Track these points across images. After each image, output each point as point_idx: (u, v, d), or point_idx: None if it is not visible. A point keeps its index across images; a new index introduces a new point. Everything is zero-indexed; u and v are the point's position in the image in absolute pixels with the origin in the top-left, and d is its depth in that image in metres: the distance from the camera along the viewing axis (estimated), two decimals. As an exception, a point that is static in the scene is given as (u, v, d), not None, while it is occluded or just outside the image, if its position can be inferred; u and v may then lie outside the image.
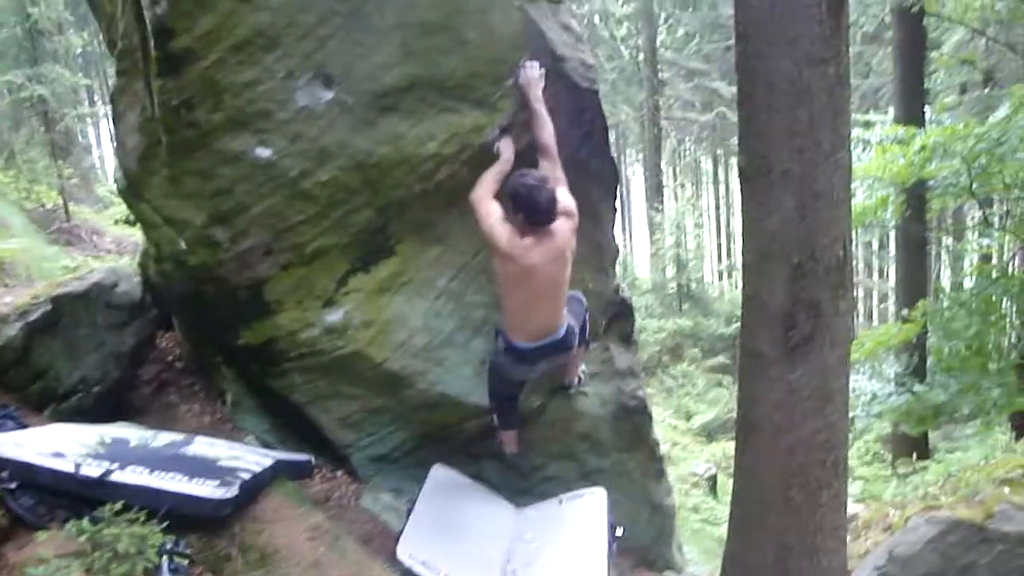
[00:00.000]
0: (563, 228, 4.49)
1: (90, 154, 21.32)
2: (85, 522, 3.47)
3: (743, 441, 4.78)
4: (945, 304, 10.91)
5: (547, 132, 4.59)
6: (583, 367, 5.63)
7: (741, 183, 4.51)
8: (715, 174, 41.31)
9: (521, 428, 5.42)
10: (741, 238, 4.72)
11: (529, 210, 4.35)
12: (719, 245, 40.59)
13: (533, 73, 4.59)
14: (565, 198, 4.53)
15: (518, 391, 5.13)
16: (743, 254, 4.67)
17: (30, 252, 7.38)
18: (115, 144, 5.06)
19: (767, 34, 4.10)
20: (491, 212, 4.43)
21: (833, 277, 4.30)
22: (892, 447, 14.49)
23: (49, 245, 8.76)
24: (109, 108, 5.19)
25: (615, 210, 5.77)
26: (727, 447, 15.68)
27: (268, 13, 4.15)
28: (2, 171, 10.37)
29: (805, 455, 4.43)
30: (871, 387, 11.01)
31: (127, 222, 11.71)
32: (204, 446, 4.32)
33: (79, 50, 11.10)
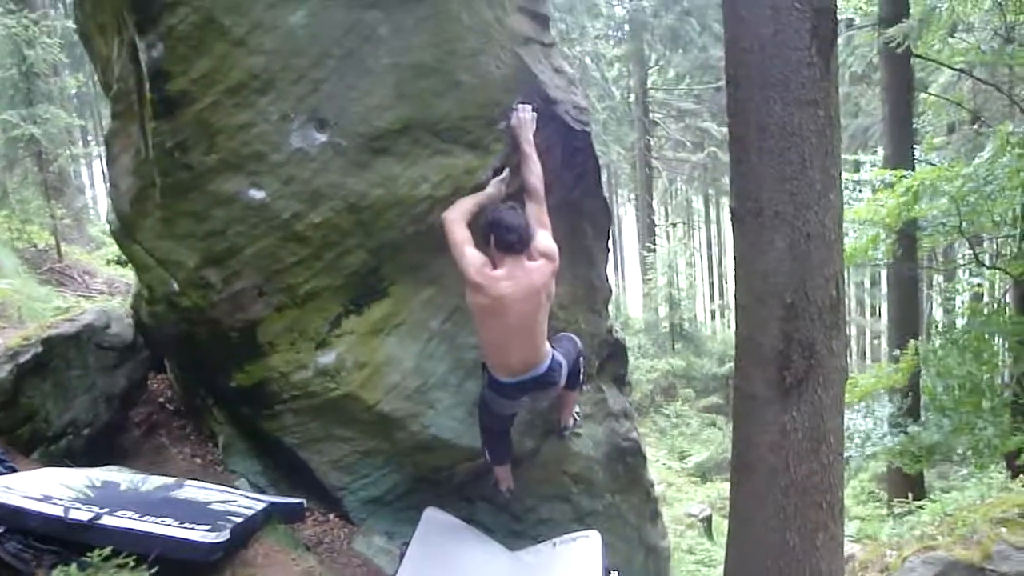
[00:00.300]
0: (540, 268, 4.48)
1: (83, 194, 21.35)
2: (73, 568, 3.42)
3: (738, 483, 4.75)
4: (938, 343, 10.93)
5: (535, 175, 4.61)
6: (577, 409, 5.61)
7: (733, 224, 4.52)
8: (707, 213, 41.53)
9: (515, 466, 5.38)
10: (733, 279, 4.73)
11: (500, 237, 4.36)
12: (711, 284, 40.70)
13: (525, 116, 4.62)
14: (546, 240, 4.54)
15: (508, 425, 5.08)
16: (736, 295, 4.68)
17: (21, 293, 7.34)
18: (108, 186, 5.07)
19: (757, 77, 4.14)
20: (463, 238, 4.43)
21: (827, 317, 4.30)
22: (888, 486, 14.42)
23: (41, 285, 8.72)
24: (103, 149, 5.20)
25: (608, 251, 5.79)
26: (722, 488, 15.60)
27: (263, 57, 4.19)
28: (-6, 211, 10.36)
29: (801, 497, 4.40)
30: (865, 426, 10.99)
31: (119, 262, 11.69)
32: (195, 490, 4.28)
33: (74, 91, 11.12)
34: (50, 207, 10.05)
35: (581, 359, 5.17)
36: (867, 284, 31.23)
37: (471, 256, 4.39)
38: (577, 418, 5.62)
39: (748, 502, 4.65)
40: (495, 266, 4.40)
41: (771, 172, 4.16)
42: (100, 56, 5.05)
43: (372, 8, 4.30)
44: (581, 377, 5.24)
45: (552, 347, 4.75)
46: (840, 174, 4.34)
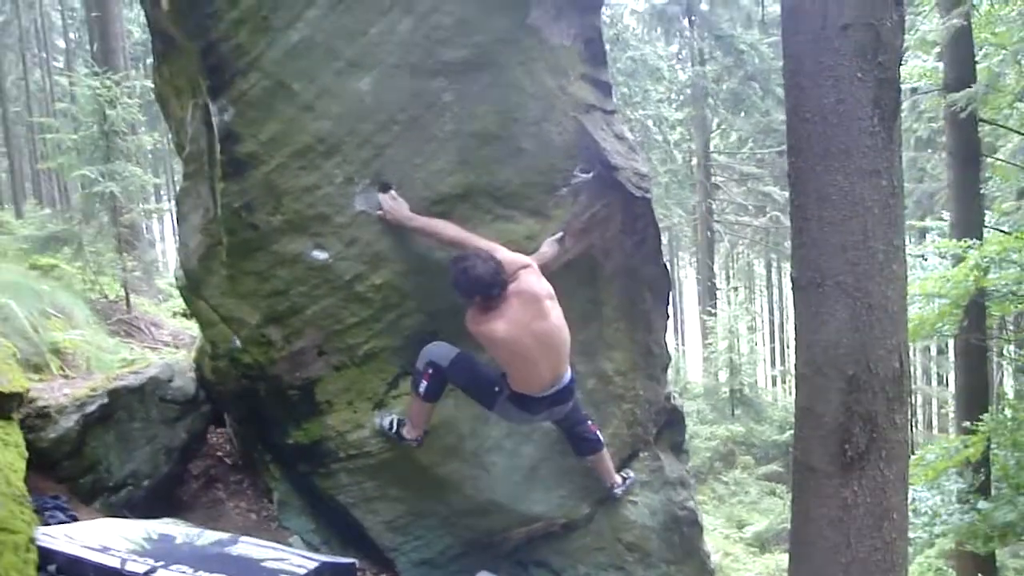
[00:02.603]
0: (527, 280, 4.35)
1: (153, 248, 21.94)
2: (128, 620, 3.46)
3: (796, 558, 4.63)
4: (1009, 415, 10.59)
5: (439, 225, 4.45)
6: (631, 472, 5.53)
7: (794, 294, 4.48)
8: (768, 278, 41.11)
9: (569, 532, 5.30)
10: (795, 349, 4.67)
11: (486, 294, 4.27)
12: (772, 350, 40.10)
13: (388, 203, 4.44)
14: (510, 255, 4.39)
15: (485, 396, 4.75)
16: (796, 366, 4.61)
17: (91, 343, 7.52)
18: (177, 242, 5.21)
19: (818, 146, 4.14)
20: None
21: (890, 390, 4.22)
22: (956, 565, 13.89)
23: (110, 336, 8.93)
24: (173, 204, 5.35)
25: (667, 316, 5.76)
26: (780, 559, 15.19)
27: (329, 121, 4.30)
28: (70, 262, 10.67)
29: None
30: (932, 502, 10.63)
31: (184, 315, 11.93)
32: (249, 547, 4.29)
33: (149, 148, 11.49)
34: (122, 260, 10.33)
35: (590, 423, 5.11)
36: (933, 352, 30.48)
37: (467, 317, 4.40)
38: (629, 477, 5.52)
39: (807, 579, 4.54)
40: (485, 313, 4.33)
41: (832, 242, 4.13)
42: (174, 118, 5.23)
43: (437, 76, 4.40)
44: (600, 437, 5.15)
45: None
46: (904, 244, 4.29)
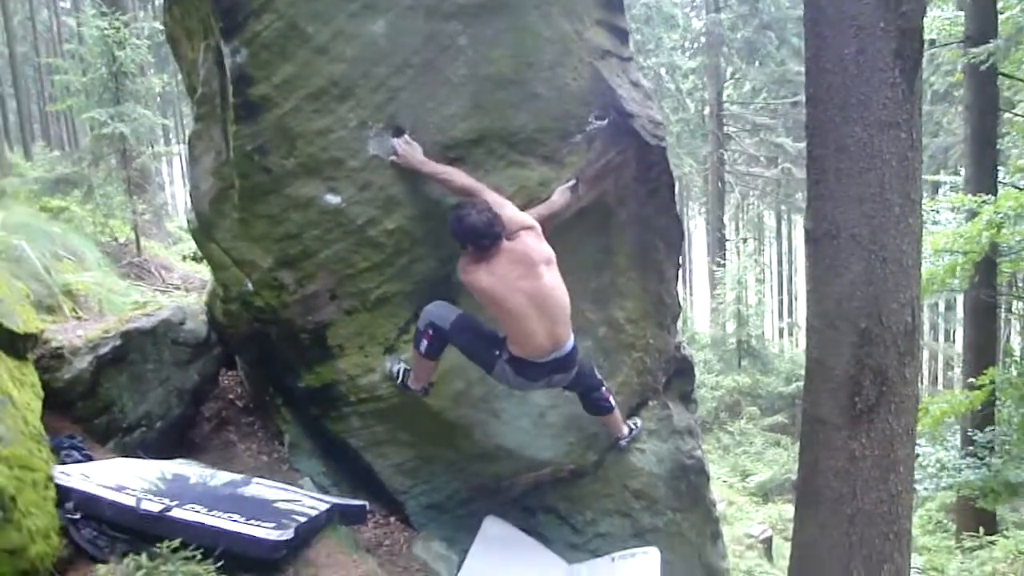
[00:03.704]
0: (524, 239, 4.29)
1: (163, 191, 21.92)
2: (143, 557, 3.51)
3: (802, 508, 4.69)
4: (1015, 372, 10.60)
5: (457, 176, 4.41)
6: (637, 422, 5.55)
7: (807, 245, 4.47)
8: (778, 230, 40.94)
9: (577, 478, 5.34)
10: (806, 301, 4.66)
11: (478, 244, 4.24)
12: (780, 302, 40.08)
13: (401, 147, 4.41)
14: (516, 213, 4.35)
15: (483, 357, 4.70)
16: (808, 317, 4.62)
17: (102, 286, 7.55)
18: (189, 185, 5.20)
19: (838, 97, 4.10)
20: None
21: (901, 344, 4.23)
22: (957, 517, 14.00)
23: (120, 279, 8.96)
24: (183, 148, 5.33)
25: (679, 266, 5.75)
26: (783, 509, 15.34)
27: (344, 64, 4.26)
28: (80, 205, 10.68)
29: (867, 527, 4.33)
30: (937, 455, 10.69)
31: (195, 259, 11.97)
32: (261, 487, 4.35)
33: (158, 91, 11.42)
34: (132, 203, 10.33)
35: (604, 388, 5.05)
36: (941, 308, 30.46)
37: (460, 266, 4.39)
38: (635, 427, 5.54)
39: (812, 528, 4.59)
40: (477, 263, 4.29)
41: (849, 194, 4.11)
42: (186, 60, 5.19)
43: (452, 19, 4.35)
44: (611, 403, 5.11)
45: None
46: (921, 199, 4.27)
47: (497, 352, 4.53)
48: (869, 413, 4.26)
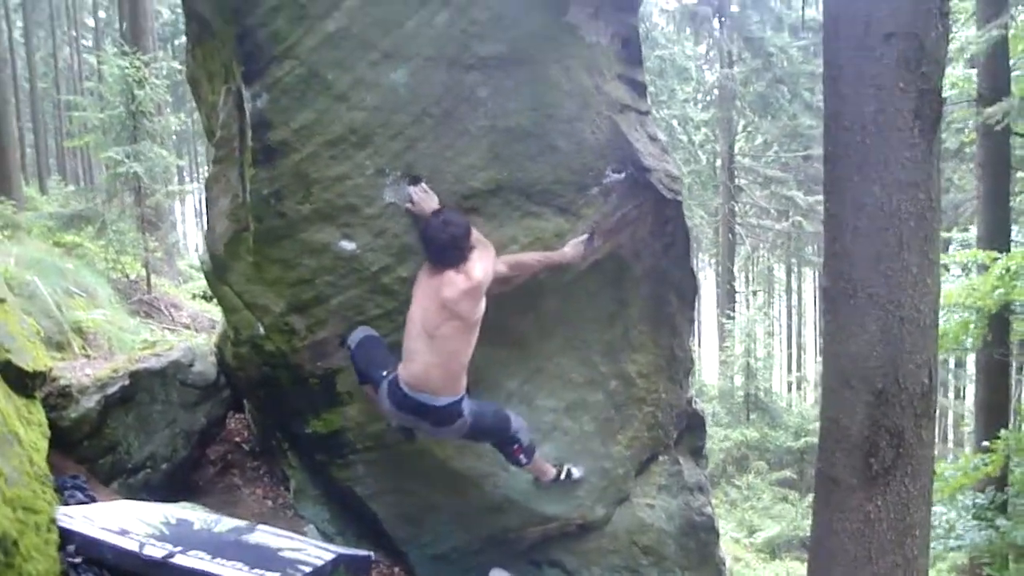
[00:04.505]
0: (454, 282, 4.21)
1: (175, 229, 22.04)
2: (144, 605, 3.47)
3: (815, 570, 4.59)
4: (1029, 433, 10.47)
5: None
6: (572, 470, 5.25)
7: (824, 303, 4.43)
8: (788, 283, 40.88)
9: (585, 532, 5.29)
10: (822, 359, 4.61)
11: (426, 244, 4.29)
12: (790, 355, 39.90)
13: (419, 195, 4.40)
14: (480, 260, 4.28)
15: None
16: (823, 376, 4.56)
17: (112, 323, 7.55)
18: (205, 227, 5.21)
19: (856, 156, 4.08)
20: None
21: (918, 405, 4.17)
22: (968, 581, 13.78)
23: (130, 316, 8.96)
24: (196, 186, 5.34)
25: (692, 320, 5.72)
26: (792, 567, 15.12)
27: (363, 112, 4.28)
28: (93, 241, 10.72)
29: (882, 591, 4.24)
30: (948, 517, 10.53)
31: (204, 297, 11.99)
32: (266, 535, 4.30)
33: (174, 130, 11.53)
34: (144, 240, 10.37)
35: (516, 446, 4.76)
36: (951, 364, 30.25)
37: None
38: (566, 474, 5.21)
39: (826, 592, 4.49)
40: (430, 274, 4.30)
41: (866, 253, 4.08)
42: (206, 102, 5.22)
43: (472, 70, 4.37)
44: (523, 460, 4.83)
45: (467, 401, 4.43)
46: (939, 259, 4.22)
47: (385, 373, 4.43)
48: (885, 475, 4.18)
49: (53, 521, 3.57)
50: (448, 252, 4.22)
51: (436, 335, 4.24)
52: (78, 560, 3.67)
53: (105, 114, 10.35)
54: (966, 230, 17.19)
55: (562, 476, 5.19)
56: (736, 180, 29.49)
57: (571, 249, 4.66)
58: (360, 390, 4.81)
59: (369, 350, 4.53)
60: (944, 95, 4.12)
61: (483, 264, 4.28)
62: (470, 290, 4.21)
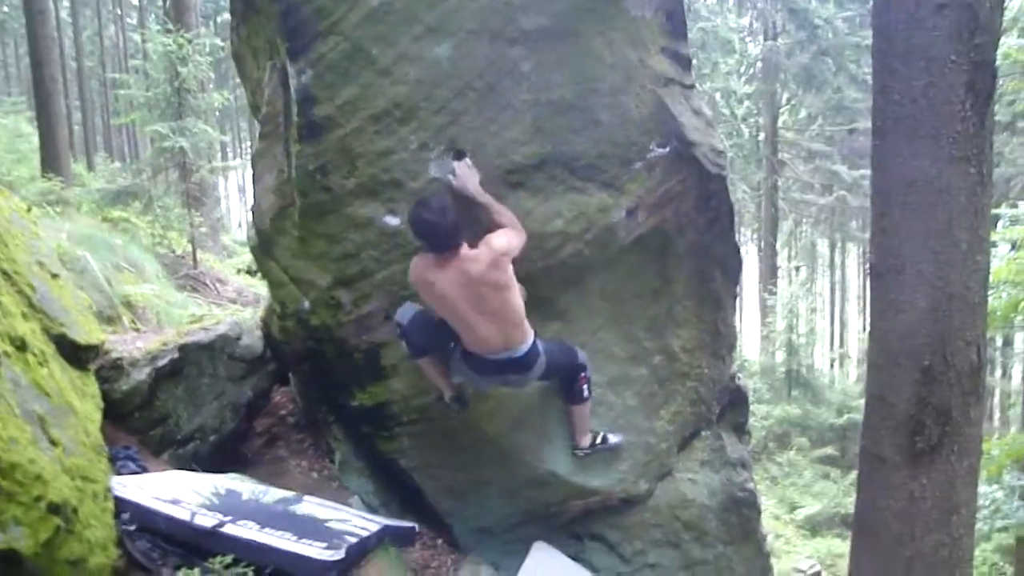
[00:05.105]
0: (476, 258, 4.17)
1: (219, 205, 22.28)
2: (196, 572, 3.55)
3: (858, 548, 4.58)
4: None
5: (499, 218, 4.34)
6: (612, 437, 5.22)
7: (871, 279, 4.39)
8: (832, 258, 40.39)
9: (628, 507, 5.31)
10: (868, 335, 4.57)
11: (421, 232, 4.17)
12: (832, 332, 39.47)
13: (463, 170, 4.38)
14: (497, 238, 4.22)
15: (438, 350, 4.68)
16: (869, 352, 4.53)
17: (160, 297, 7.69)
18: (251, 202, 5.26)
19: (906, 130, 4.03)
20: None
21: (966, 383, 4.13)
22: (1015, 561, 13.60)
23: (177, 291, 9.11)
24: (239, 162, 5.38)
25: (736, 295, 5.68)
26: (832, 544, 15.07)
27: (406, 87, 4.29)
28: (140, 216, 10.89)
29: (925, 570, 4.22)
30: (994, 496, 10.41)
31: (249, 272, 12.14)
32: (313, 506, 4.37)
33: (218, 106, 11.63)
34: (190, 215, 10.51)
35: (583, 375, 4.86)
36: (999, 343, 29.74)
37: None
38: (603, 441, 5.19)
39: (868, 569, 4.49)
40: (427, 264, 4.23)
41: (915, 229, 4.03)
42: (251, 78, 5.26)
43: (516, 44, 4.35)
44: (584, 393, 4.92)
45: (538, 340, 4.52)
46: (989, 236, 4.17)
47: (452, 345, 4.52)
48: (931, 453, 4.15)
49: (109, 490, 3.66)
50: (454, 234, 4.15)
51: (483, 310, 4.27)
52: (132, 528, 3.77)
53: (150, 91, 10.48)
54: (1015, 206, 16.85)
55: (598, 441, 5.17)
56: (779, 154, 29.13)
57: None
58: (406, 364, 4.83)
59: (423, 324, 4.55)
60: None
61: (506, 237, 4.25)
62: (495, 260, 4.19)
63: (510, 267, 4.26)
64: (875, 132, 4.21)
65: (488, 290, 4.22)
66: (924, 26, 3.90)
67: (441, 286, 4.21)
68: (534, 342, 4.48)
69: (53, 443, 3.27)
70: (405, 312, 4.56)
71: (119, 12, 32.18)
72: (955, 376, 4.10)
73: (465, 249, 4.18)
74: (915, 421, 4.15)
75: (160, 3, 26.31)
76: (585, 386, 4.90)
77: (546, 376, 4.72)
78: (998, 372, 32.02)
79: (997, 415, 31.35)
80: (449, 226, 4.11)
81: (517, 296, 4.35)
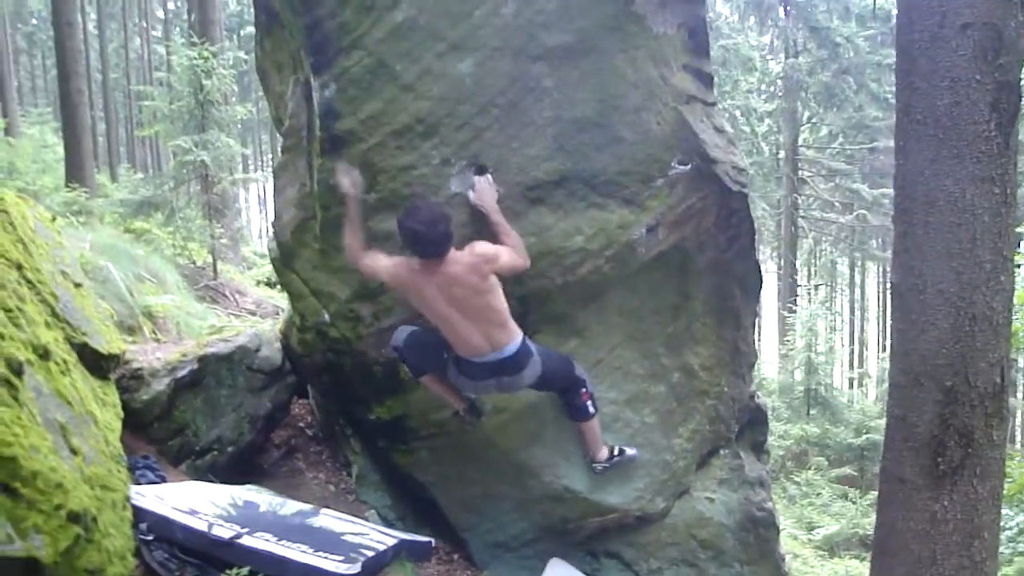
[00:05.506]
0: (459, 259, 4.21)
1: (240, 217, 22.42)
2: (213, 583, 3.55)
3: (878, 570, 4.53)
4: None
5: (507, 238, 4.35)
6: (628, 450, 5.17)
7: (893, 298, 4.37)
8: (852, 277, 40.16)
9: (644, 525, 5.29)
10: (889, 355, 4.54)
11: (412, 244, 4.17)
12: (852, 351, 39.21)
13: (484, 186, 4.41)
14: (483, 244, 4.27)
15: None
16: (890, 372, 4.49)
17: (181, 308, 7.73)
18: (272, 215, 5.29)
19: (929, 150, 4.01)
20: (372, 261, 4.35)
21: (989, 405, 4.09)
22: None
23: (197, 302, 9.15)
24: (260, 175, 5.42)
25: (756, 314, 5.66)
26: (850, 565, 14.90)
27: (429, 102, 4.31)
28: (161, 227, 10.96)
29: (947, 594, 4.16)
30: (1015, 518, 10.29)
31: (268, 284, 12.20)
32: (330, 519, 4.37)
33: (240, 119, 11.73)
34: (211, 227, 10.57)
35: (584, 390, 4.81)
36: (1021, 363, 29.45)
37: (379, 268, 4.33)
38: (620, 454, 5.13)
39: (889, 592, 4.43)
40: (412, 266, 4.23)
41: (938, 248, 4.01)
42: (274, 92, 5.30)
43: (538, 60, 4.38)
44: (589, 408, 4.85)
45: (530, 342, 4.51)
46: (1013, 256, 4.13)
47: (446, 355, 4.53)
48: (952, 475, 4.11)
49: (128, 499, 3.68)
50: (444, 244, 4.17)
51: (465, 312, 4.29)
52: (150, 537, 3.77)
53: (174, 104, 10.57)
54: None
55: (615, 454, 5.12)
56: (800, 172, 29.04)
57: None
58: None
59: (419, 343, 4.59)
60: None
61: (495, 249, 4.27)
62: (474, 265, 4.21)
63: (493, 276, 4.27)
64: (898, 151, 4.19)
65: (467, 292, 4.24)
66: (948, 45, 3.89)
67: (428, 290, 4.24)
68: (523, 343, 4.46)
69: (74, 452, 3.28)
70: (399, 335, 4.60)
71: (144, 25, 32.52)
72: (978, 397, 4.06)
73: (452, 253, 4.20)
74: (937, 442, 4.11)
75: (185, 16, 26.57)
76: (588, 401, 4.86)
77: (544, 383, 4.68)
78: (1020, 393, 31.74)
79: (1020, 437, 31.04)
80: (438, 238, 4.14)
81: (499, 299, 4.34)
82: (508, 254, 4.28)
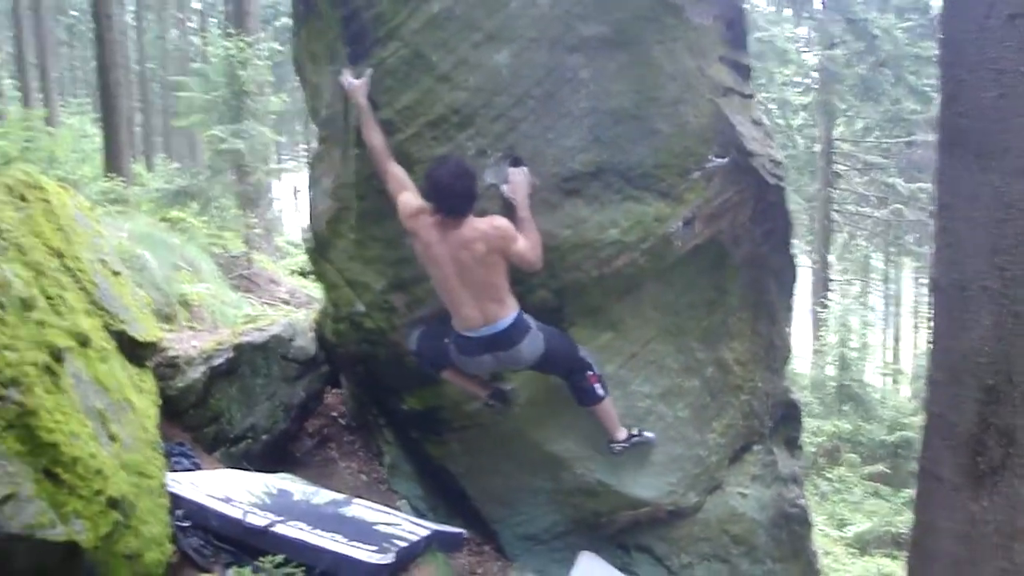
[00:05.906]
0: (477, 226, 4.17)
1: (273, 206, 22.56)
2: (248, 570, 3.58)
3: (915, 569, 4.46)
4: None
5: (528, 234, 4.32)
6: (646, 432, 5.06)
7: (933, 294, 4.30)
8: (886, 272, 39.70)
9: (676, 519, 5.26)
10: (929, 352, 4.47)
11: (435, 195, 4.15)
12: (885, 347, 38.79)
13: (519, 178, 4.37)
14: (503, 219, 4.26)
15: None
16: (929, 369, 4.42)
17: (216, 297, 7.80)
18: (307, 205, 5.31)
19: (973, 144, 3.93)
20: (400, 182, 4.31)
21: (1032, 404, 4.01)
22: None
23: (231, 291, 9.23)
24: (294, 164, 5.43)
25: (791, 308, 5.61)
26: (882, 563, 14.74)
27: (465, 93, 4.31)
28: (196, 216, 11.06)
29: (986, 597, 4.10)
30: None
31: (301, 273, 12.26)
32: (363, 509, 4.39)
33: (275, 109, 11.79)
34: (245, 216, 10.65)
35: (590, 373, 4.69)
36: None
37: (403, 202, 4.27)
38: (637, 435, 5.01)
39: (926, 592, 4.37)
40: (430, 215, 4.21)
41: (981, 245, 3.93)
42: (310, 83, 5.30)
43: (575, 52, 4.35)
44: (599, 391, 4.74)
45: (529, 318, 4.43)
46: (1059, 253, 4.03)
47: (447, 340, 4.50)
48: (993, 475, 4.03)
49: (164, 486, 3.71)
50: (466, 201, 4.17)
51: (466, 280, 4.25)
52: (186, 524, 3.81)
53: (210, 95, 10.65)
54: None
55: (634, 433, 5.01)
56: (834, 166, 28.72)
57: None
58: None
59: (429, 339, 4.62)
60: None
61: (516, 231, 4.25)
62: (486, 235, 4.18)
63: (500, 256, 4.23)
64: (941, 146, 4.11)
65: (473, 261, 4.20)
66: (994, 36, 3.80)
67: (437, 248, 4.21)
68: (519, 317, 4.39)
69: (112, 438, 3.32)
70: (411, 338, 4.68)
71: (181, 16, 32.78)
72: (1020, 397, 3.97)
73: (471, 218, 4.19)
74: (977, 441, 4.04)
75: (221, 8, 26.76)
76: (597, 384, 4.75)
77: (548, 362, 4.59)
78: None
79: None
80: (461, 191, 4.13)
81: (501, 277, 4.30)
82: (524, 244, 4.25)
